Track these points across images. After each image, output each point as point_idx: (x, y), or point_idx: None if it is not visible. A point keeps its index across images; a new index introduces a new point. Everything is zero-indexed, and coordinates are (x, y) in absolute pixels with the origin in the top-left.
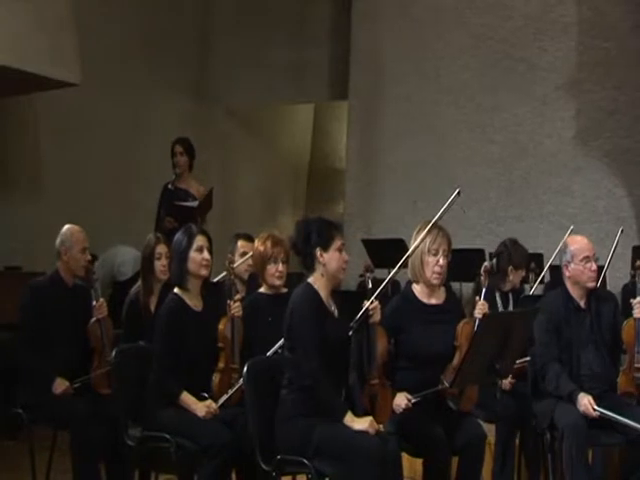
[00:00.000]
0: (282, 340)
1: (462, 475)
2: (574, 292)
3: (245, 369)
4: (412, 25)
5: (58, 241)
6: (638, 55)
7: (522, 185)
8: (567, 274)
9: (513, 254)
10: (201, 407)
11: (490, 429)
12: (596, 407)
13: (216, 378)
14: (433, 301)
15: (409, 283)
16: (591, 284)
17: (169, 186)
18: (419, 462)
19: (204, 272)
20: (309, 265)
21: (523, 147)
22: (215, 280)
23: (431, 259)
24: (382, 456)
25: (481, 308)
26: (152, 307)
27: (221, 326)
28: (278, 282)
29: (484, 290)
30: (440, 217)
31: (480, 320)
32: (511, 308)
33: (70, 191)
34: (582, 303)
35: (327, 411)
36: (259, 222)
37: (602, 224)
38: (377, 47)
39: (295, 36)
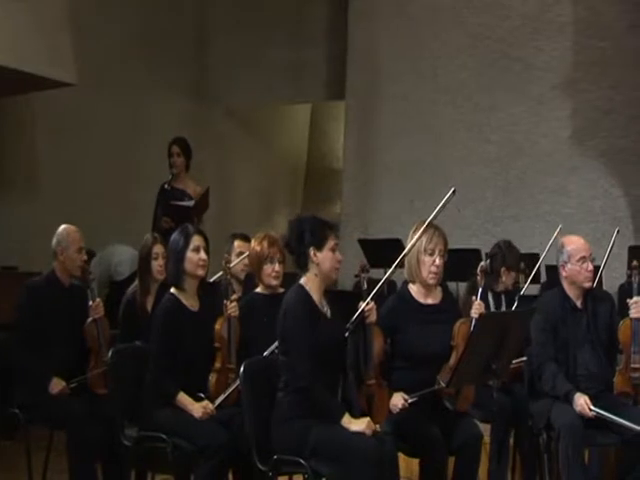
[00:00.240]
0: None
1: (458, 475)
2: (571, 292)
3: (241, 369)
4: (409, 24)
5: (54, 241)
6: (634, 55)
7: (518, 185)
8: (564, 274)
9: (507, 255)
10: (197, 408)
11: (486, 429)
12: (592, 407)
13: (213, 378)
14: (429, 301)
15: (405, 283)
16: (587, 284)
17: (166, 186)
18: (416, 462)
19: (201, 272)
20: (302, 264)
21: (519, 146)
22: (211, 280)
23: (427, 259)
24: (379, 457)
25: (478, 308)
26: (149, 307)
27: (218, 326)
28: (274, 282)
29: (480, 290)
30: (435, 216)
31: (476, 320)
32: (503, 309)
33: (67, 191)
34: (579, 303)
35: (324, 413)
36: (256, 222)
37: (598, 224)
38: (374, 46)
39: (293, 36)
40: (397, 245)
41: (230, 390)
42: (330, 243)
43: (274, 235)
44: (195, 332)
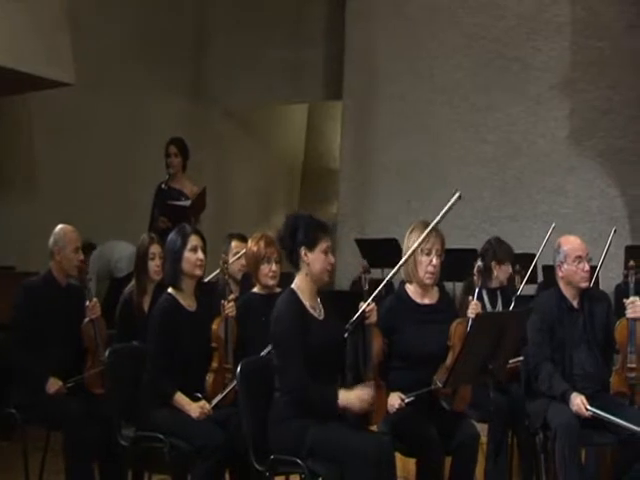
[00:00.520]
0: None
1: (455, 475)
2: (567, 292)
3: (238, 369)
4: (406, 25)
5: (51, 241)
6: (632, 55)
7: (516, 185)
8: (560, 274)
9: (497, 250)
10: (195, 408)
11: (483, 429)
12: (589, 407)
13: (210, 378)
14: (426, 301)
15: (402, 283)
16: (584, 284)
17: (163, 186)
18: (412, 462)
19: (198, 272)
20: (294, 262)
21: (517, 147)
22: (207, 279)
23: (424, 259)
24: (376, 457)
25: (474, 308)
26: (145, 307)
27: (215, 326)
28: (271, 282)
29: (477, 290)
30: (439, 221)
31: (473, 320)
32: (500, 306)
33: (65, 191)
34: (575, 303)
35: (322, 411)
36: (253, 222)
37: (595, 224)
38: (371, 46)
39: (291, 36)
40: (394, 245)
41: (227, 390)
42: (322, 245)
43: (271, 235)
44: (192, 332)
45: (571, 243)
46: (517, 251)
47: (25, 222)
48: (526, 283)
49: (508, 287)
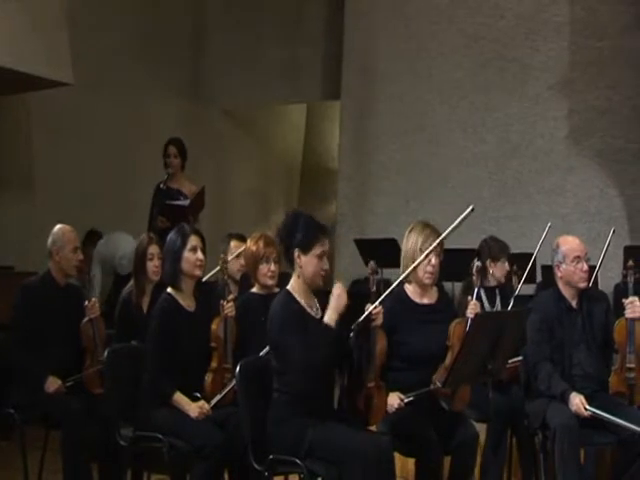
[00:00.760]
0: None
1: (455, 475)
2: (566, 292)
3: (237, 369)
4: (405, 24)
5: (49, 241)
6: (631, 55)
7: (514, 185)
8: (559, 274)
9: (492, 247)
10: (194, 408)
11: (482, 429)
12: (588, 407)
13: (209, 378)
14: (425, 301)
15: (401, 283)
16: (583, 284)
17: (161, 186)
18: (411, 462)
19: (198, 272)
20: (290, 260)
21: (515, 147)
22: (205, 279)
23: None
24: (375, 457)
25: (473, 308)
26: (144, 307)
27: (214, 326)
28: (270, 282)
29: (476, 290)
30: (450, 232)
31: (472, 320)
32: (498, 304)
33: (64, 191)
34: (574, 303)
35: (320, 410)
36: (252, 222)
37: (594, 224)
38: (370, 46)
39: (290, 36)
40: (393, 245)
41: (226, 390)
42: (317, 249)
43: (270, 235)
44: (191, 332)
45: (570, 243)
46: (516, 251)
47: (24, 222)
48: (524, 283)
49: (506, 285)
